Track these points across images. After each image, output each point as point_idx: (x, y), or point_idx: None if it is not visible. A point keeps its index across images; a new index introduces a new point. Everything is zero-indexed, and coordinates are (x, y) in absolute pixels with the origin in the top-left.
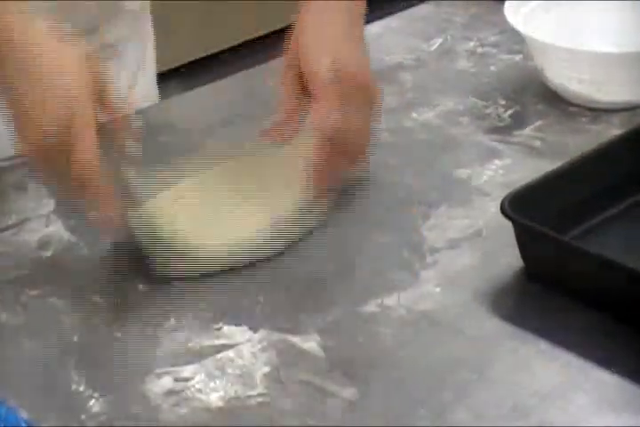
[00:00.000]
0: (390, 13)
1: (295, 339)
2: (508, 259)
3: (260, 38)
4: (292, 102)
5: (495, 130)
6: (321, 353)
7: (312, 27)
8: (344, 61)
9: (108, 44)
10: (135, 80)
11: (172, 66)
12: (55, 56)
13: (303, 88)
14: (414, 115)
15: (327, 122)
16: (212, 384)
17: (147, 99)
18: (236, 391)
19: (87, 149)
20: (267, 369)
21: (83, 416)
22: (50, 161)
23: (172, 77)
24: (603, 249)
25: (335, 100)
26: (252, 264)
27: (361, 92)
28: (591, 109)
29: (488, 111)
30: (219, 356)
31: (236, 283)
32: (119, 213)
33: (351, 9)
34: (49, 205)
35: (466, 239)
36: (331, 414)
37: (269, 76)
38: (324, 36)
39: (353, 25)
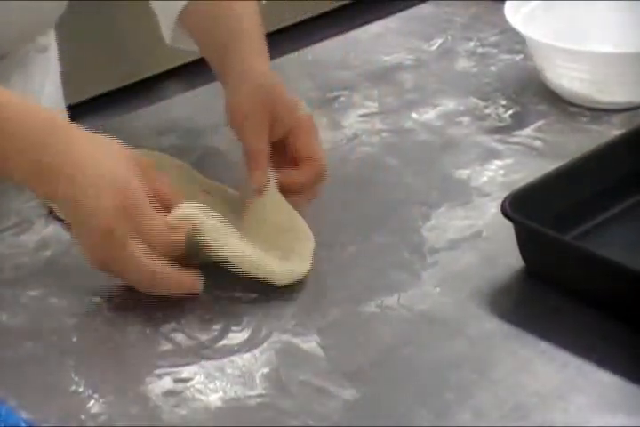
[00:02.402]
0: (390, 13)
1: (295, 339)
2: (508, 259)
3: None
4: (264, 147)
5: (495, 130)
6: (321, 353)
7: (266, 82)
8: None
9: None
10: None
11: (172, 66)
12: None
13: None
14: (414, 115)
15: (321, 156)
16: (211, 385)
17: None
18: (235, 392)
19: (154, 219)
20: (267, 369)
21: (83, 417)
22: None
23: (172, 77)
24: (603, 249)
25: (317, 136)
26: None
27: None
28: (591, 109)
29: (488, 111)
30: (218, 356)
31: (235, 283)
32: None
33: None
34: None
35: (466, 240)
36: (331, 415)
37: None
38: (280, 86)
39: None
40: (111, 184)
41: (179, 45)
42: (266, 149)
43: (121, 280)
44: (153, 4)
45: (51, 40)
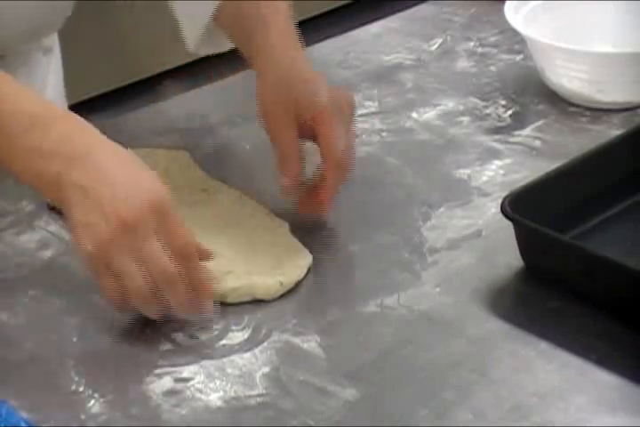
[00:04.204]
0: (390, 13)
1: (295, 339)
2: (508, 259)
3: None
4: (292, 147)
5: (495, 130)
6: (321, 353)
7: (287, 70)
8: (330, 89)
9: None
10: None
11: (172, 66)
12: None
13: (293, 126)
14: (414, 115)
15: (338, 147)
16: (212, 384)
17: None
18: (235, 391)
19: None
20: (267, 369)
21: (83, 416)
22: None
23: (172, 77)
24: (603, 249)
25: (337, 125)
26: None
27: (348, 111)
28: (591, 109)
29: (488, 111)
30: (219, 356)
31: None
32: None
33: (300, 47)
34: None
35: (466, 239)
36: (331, 415)
37: None
38: (304, 75)
39: (305, 58)
40: (143, 182)
41: (202, 52)
42: (293, 149)
43: (106, 292)
44: (177, 13)
45: (55, 42)
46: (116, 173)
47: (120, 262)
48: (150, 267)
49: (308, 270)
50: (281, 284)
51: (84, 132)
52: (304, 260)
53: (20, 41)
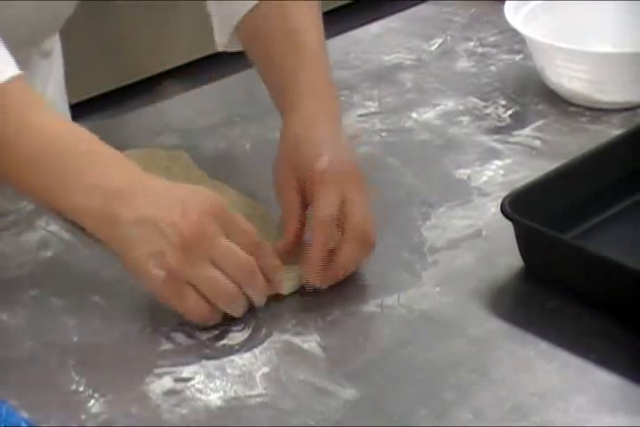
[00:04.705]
0: (390, 13)
1: (295, 339)
2: (508, 259)
3: None
4: (291, 208)
5: (495, 130)
6: (321, 353)
7: (301, 131)
8: (338, 157)
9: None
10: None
11: (172, 66)
12: None
13: (300, 195)
14: (414, 115)
15: (323, 212)
16: (211, 384)
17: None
18: (235, 391)
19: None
20: (267, 369)
21: (83, 416)
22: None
23: (172, 77)
24: (603, 249)
25: (334, 191)
26: None
27: (357, 184)
28: (591, 109)
29: (488, 111)
30: (219, 356)
31: None
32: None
33: (331, 111)
34: None
35: (466, 239)
36: (331, 414)
37: None
38: (315, 137)
39: (334, 123)
40: (190, 194)
41: (231, 49)
42: (291, 210)
43: (194, 311)
44: (211, 9)
45: (54, 45)
46: (160, 194)
47: (198, 273)
48: (229, 263)
49: None
50: None
51: (122, 167)
52: None
53: (20, 43)
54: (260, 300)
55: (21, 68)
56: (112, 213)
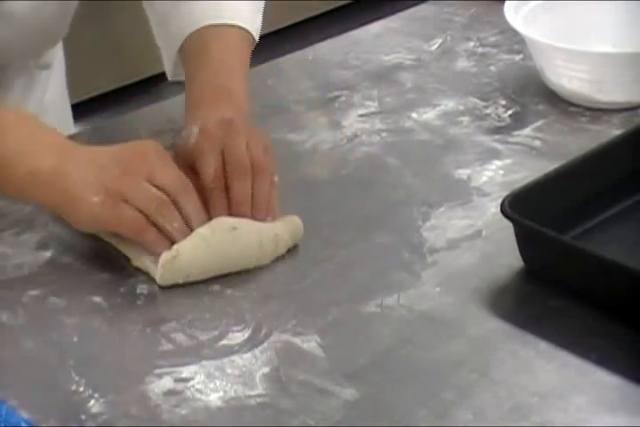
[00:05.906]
0: (390, 13)
1: (295, 339)
2: (508, 259)
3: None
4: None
5: (495, 130)
6: (321, 353)
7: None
8: (208, 121)
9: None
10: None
11: None
12: None
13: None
14: (414, 115)
15: (208, 176)
16: (211, 385)
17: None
18: (235, 391)
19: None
20: (267, 369)
21: (83, 416)
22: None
23: None
24: (603, 249)
25: (210, 152)
26: None
27: (233, 131)
28: (591, 109)
29: (488, 111)
30: (219, 356)
31: (235, 283)
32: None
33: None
34: None
35: (466, 239)
36: (331, 415)
37: (269, 75)
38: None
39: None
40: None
41: (178, 79)
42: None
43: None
44: (157, 39)
45: (55, 56)
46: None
47: (133, 188)
48: (164, 179)
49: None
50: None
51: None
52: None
53: (17, 56)
54: (196, 220)
55: (22, 75)
56: (62, 171)
